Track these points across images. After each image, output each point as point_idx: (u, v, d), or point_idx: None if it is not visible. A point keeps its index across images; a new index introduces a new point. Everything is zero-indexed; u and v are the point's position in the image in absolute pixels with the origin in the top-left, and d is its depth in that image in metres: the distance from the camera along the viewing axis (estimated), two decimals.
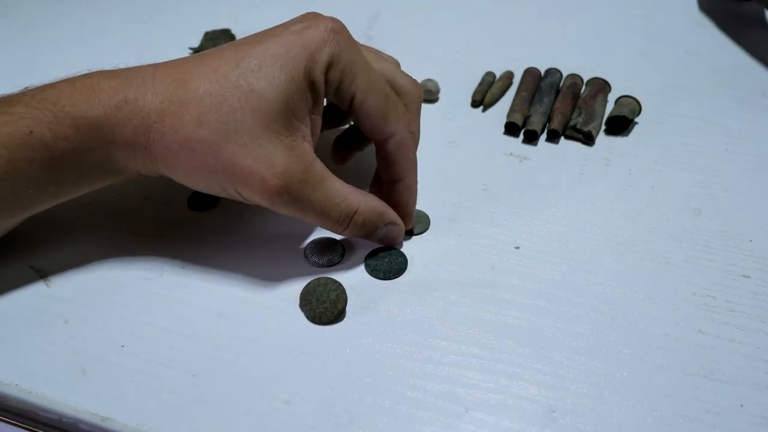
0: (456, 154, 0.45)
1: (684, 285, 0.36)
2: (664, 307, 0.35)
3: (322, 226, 0.35)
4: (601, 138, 0.47)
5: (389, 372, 0.32)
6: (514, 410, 0.31)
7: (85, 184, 0.34)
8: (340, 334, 0.33)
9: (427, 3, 0.62)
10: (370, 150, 0.40)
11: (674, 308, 0.35)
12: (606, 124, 0.47)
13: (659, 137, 0.47)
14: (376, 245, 0.37)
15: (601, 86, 0.49)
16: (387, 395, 0.31)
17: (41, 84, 0.33)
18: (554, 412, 0.31)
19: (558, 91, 0.49)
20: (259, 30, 0.35)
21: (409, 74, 0.38)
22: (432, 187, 0.40)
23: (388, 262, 0.37)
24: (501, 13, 0.61)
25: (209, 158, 0.32)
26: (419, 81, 0.42)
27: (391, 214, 0.36)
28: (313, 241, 0.37)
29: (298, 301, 0.34)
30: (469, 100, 0.50)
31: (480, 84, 0.51)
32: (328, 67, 0.33)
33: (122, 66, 0.35)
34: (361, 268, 0.37)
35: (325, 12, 0.35)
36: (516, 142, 0.46)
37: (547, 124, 0.47)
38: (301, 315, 0.34)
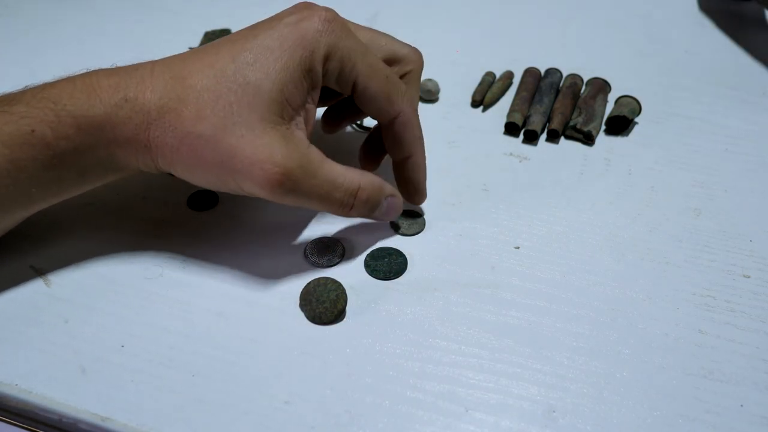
0: (456, 154, 0.45)
1: (684, 285, 0.36)
2: (664, 307, 0.35)
3: (327, 211, 0.35)
4: (601, 138, 0.47)
5: (389, 372, 0.32)
6: (514, 410, 0.31)
7: (86, 181, 0.34)
8: (340, 334, 0.33)
9: (427, 3, 0.62)
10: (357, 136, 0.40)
11: (674, 308, 0.35)
12: (606, 124, 0.47)
13: (659, 137, 0.47)
14: (376, 246, 0.37)
15: (601, 86, 0.49)
16: (387, 395, 0.31)
17: (41, 83, 0.33)
18: (554, 412, 0.31)
19: (558, 91, 0.49)
20: None
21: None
22: (432, 187, 0.40)
23: (388, 263, 0.37)
24: (501, 13, 0.61)
25: (209, 152, 0.32)
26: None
27: (389, 187, 0.37)
28: (313, 241, 0.37)
29: (298, 301, 0.34)
30: (469, 100, 0.50)
31: (480, 84, 0.51)
32: (326, 58, 0.33)
33: (121, 65, 0.35)
34: (361, 268, 0.37)
35: None
36: (516, 142, 0.46)
37: (547, 124, 0.47)
38: (301, 315, 0.34)
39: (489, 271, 0.37)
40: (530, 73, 0.51)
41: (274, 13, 0.35)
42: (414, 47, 0.39)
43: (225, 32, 0.55)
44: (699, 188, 0.43)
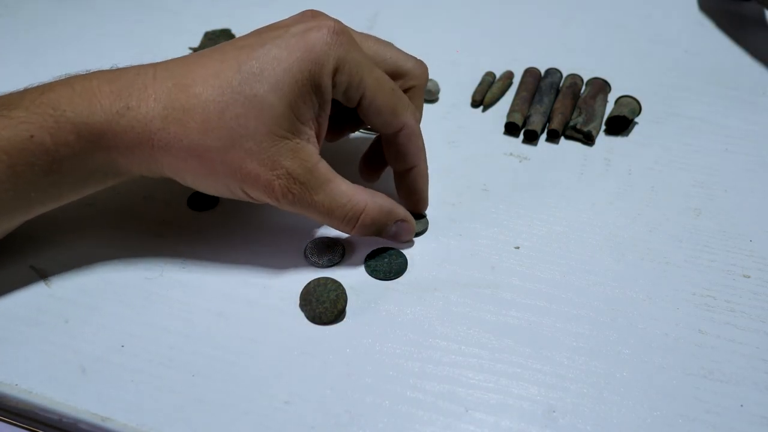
0: (456, 154, 0.45)
1: (684, 285, 0.36)
2: (664, 307, 0.35)
3: (330, 226, 0.36)
4: (601, 138, 0.47)
5: (389, 372, 0.32)
6: (514, 410, 0.31)
7: (86, 186, 0.34)
8: (340, 334, 0.33)
9: (427, 3, 0.62)
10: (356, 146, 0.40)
11: (674, 308, 0.35)
12: (606, 124, 0.47)
13: (659, 137, 0.47)
14: (376, 246, 0.37)
15: (601, 86, 0.49)
16: (387, 395, 0.31)
17: (40, 84, 0.33)
18: (554, 412, 0.31)
19: (558, 91, 0.49)
20: None
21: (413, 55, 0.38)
22: (432, 187, 0.40)
23: (388, 263, 0.37)
24: (501, 13, 0.61)
25: (217, 164, 0.32)
26: None
27: (400, 212, 0.36)
28: (313, 241, 0.37)
29: (298, 301, 0.34)
30: (469, 100, 0.50)
31: (480, 84, 0.51)
32: (336, 71, 0.33)
33: (121, 66, 0.34)
34: (361, 268, 0.37)
35: (325, 12, 0.35)
36: (516, 142, 0.46)
37: (547, 124, 0.47)
38: (301, 315, 0.34)
39: (489, 271, 0.37)
40: (530, 73, 0.51)
41: (274, 13, 0.35)
42: (419, 60, 0.39)
43: (225, 32, 0.55)
44: (699, 188, 0.43)
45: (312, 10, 0.35)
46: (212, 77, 0.32)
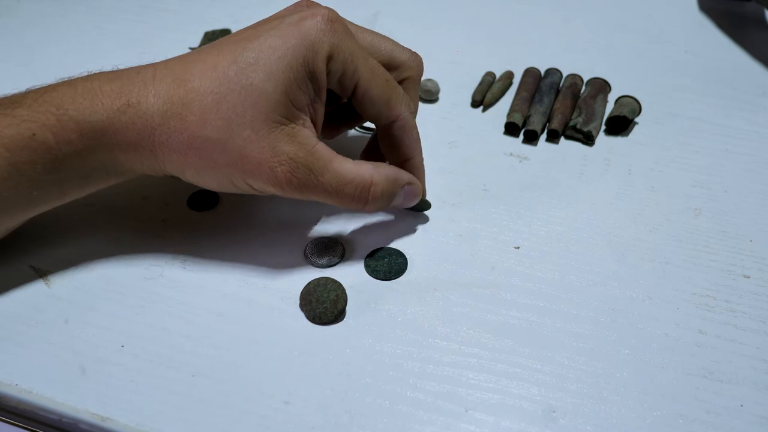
0: (456, 154, 0.45)
1: (684, 285, 0.36)
2: (664, 307, 0.35)
3: (342, 206, 0.35)
4: (601, 138, 0.47)
5: (389, 372, 0.32)
6: (514, 410, 0.31)
7: (88, 185, 0.34)
8: (340, 334, 0.33)
9: (427, 3, 0.62)
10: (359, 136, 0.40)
11: (674, 308, 0.35)
12: (606, 124, 0.47)
13: (659, 137, 0.47)
14: (375, 246, 0.37)
15: (601, 86, 0.49)
16: (387, 395, 0.31)
17: (42, 85, 0.33)
18: (554, 412, 0.31)
19: (558, 91, 0.49)
20: None
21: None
22: (432, 187, 0.40)
23: (388, 263, 0.37)
24: (501, 13, 0.61)
25: (217, 155, 0.32)
26: None
27: (405, 176, 0.36)
28: (313, 241, 0.37)
29: (298, 301, 0.34)
30: (469, 100, 0.50)
31: (480, 84, 0.51)
32: (329, 58, 0.33)
33: (121, 66, 0.35)
34: (361, 268, 0.37)
35: None
36: (516, 142, 0.46)
37: (547, 124, 0.47)
38: (301, 315, 0.34)
39: (489, 271, 0.37)
40: (530, 73, 0.51)
41: (273, 13, 0.35)
42: (414, 52, 0.39)
43: (225, 32, 0.55)
44: (699, 188, 0.43)
45: (307, 0, 0.35)
46: (209, 70, 0.32)
